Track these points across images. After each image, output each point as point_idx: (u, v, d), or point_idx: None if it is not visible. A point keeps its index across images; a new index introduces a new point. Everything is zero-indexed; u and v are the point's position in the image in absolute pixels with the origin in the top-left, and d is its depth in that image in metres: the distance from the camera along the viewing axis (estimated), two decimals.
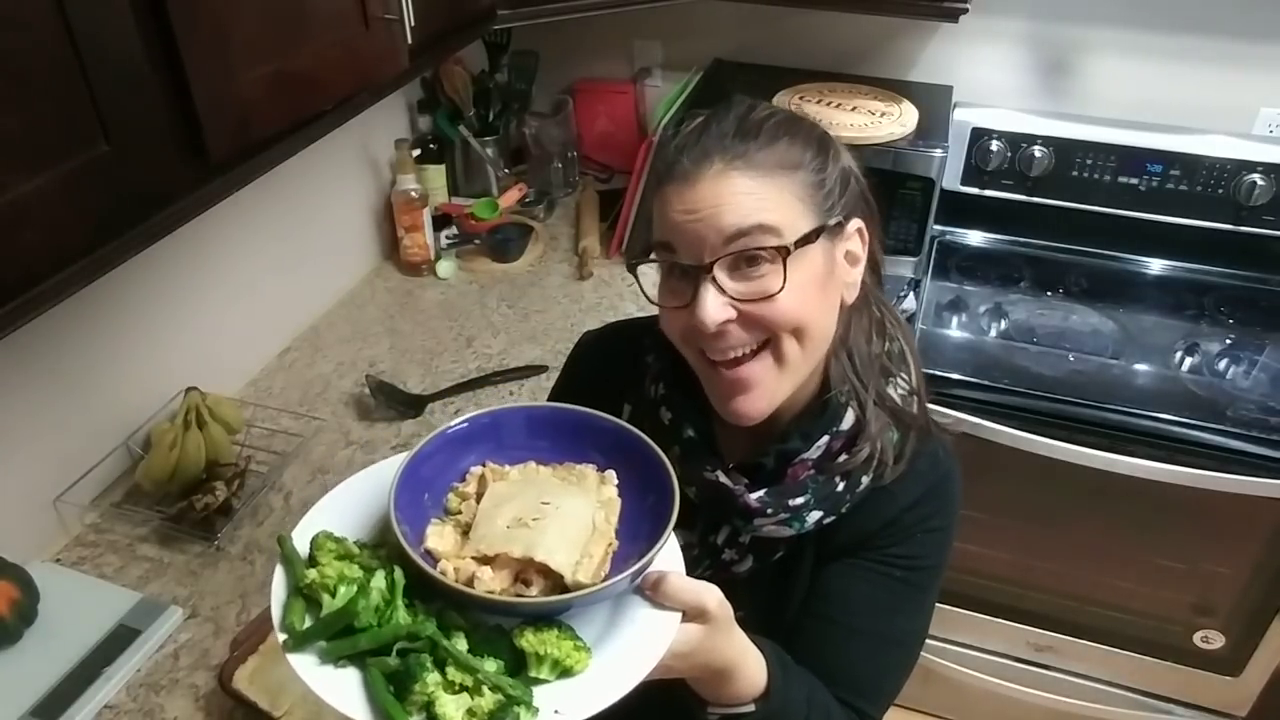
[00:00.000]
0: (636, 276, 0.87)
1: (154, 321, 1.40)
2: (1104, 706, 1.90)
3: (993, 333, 1.76)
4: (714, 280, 0.77)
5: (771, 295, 0.76)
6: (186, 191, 0.96)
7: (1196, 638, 1.77)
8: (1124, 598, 1.78)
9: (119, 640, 1.12)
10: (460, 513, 0.76)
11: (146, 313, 1.38)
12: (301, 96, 1.08)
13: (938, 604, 0.93)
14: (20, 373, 1.19)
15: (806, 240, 0.77)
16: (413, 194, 1.83)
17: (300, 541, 0.72)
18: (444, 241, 1.95)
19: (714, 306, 0.76)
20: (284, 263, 1.67)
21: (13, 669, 1.08)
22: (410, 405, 1.53)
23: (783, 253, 0.76)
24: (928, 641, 0.92)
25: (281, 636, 0.67)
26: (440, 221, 1.95)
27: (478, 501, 0.76)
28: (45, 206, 0.78)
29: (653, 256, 0.82)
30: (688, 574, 0.76)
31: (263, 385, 1.61)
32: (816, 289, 0.79)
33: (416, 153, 1.91)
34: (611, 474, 0.78)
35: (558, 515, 0.72)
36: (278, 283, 1.66)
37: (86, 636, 1.12)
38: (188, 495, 1.28)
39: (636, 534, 0.73)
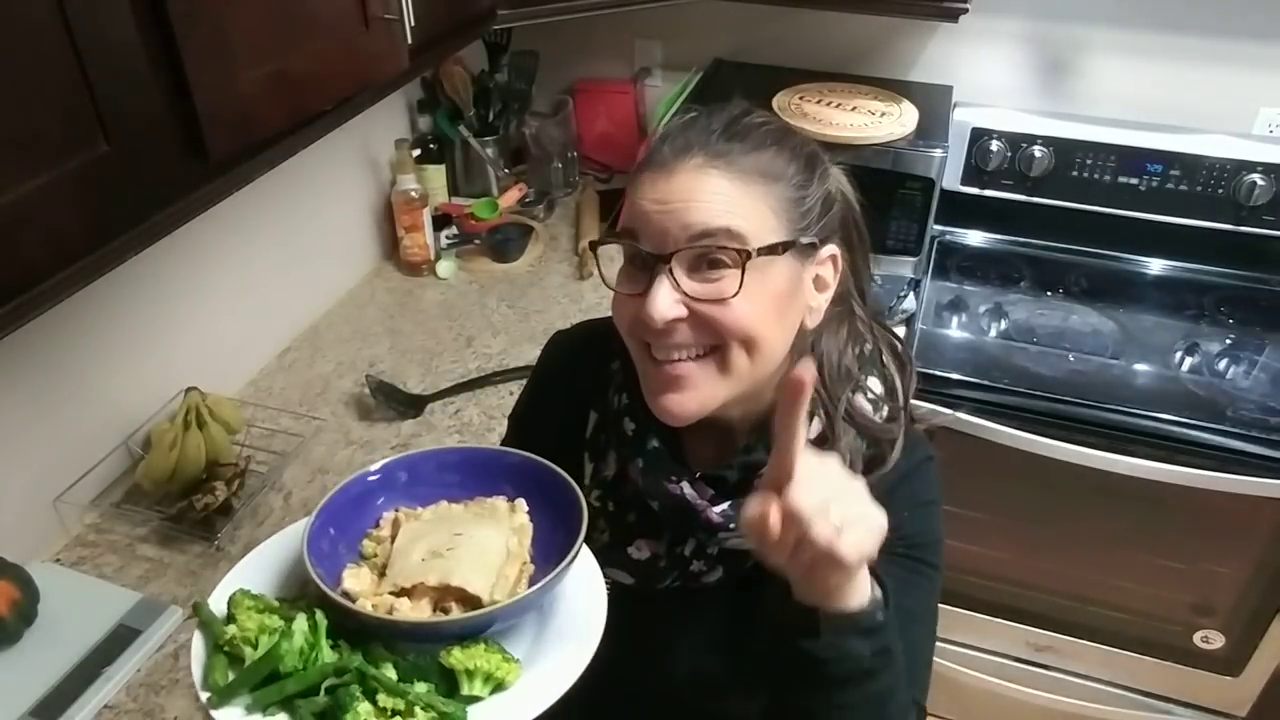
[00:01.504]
0: (596, 257, 0.86)
1: (154, 321, 1.40)
2: (1104, 706, 1.90)
3: (993, 333, 1.76)
4: (670, 274, 0.75)
5: (725, 299, 0.74)
6: (186, 191, 0.96)
7: (1196, 638, 1.76)
8: (1124, 598, 1.78)
9: (119, 640, 1.12)
10: (375, 556, 0.76)
11: (146, 313, 1.38)
12: (301, 96, 1.08)
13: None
14: (20, 373, 1.19)
15: (771, 251, 0.75)
16: (413, 194, 1.83)
17: (217, 605, 0.71)
18: (444, 241, 1.95)
19: (665, 302, 0.74)
20: (284, 263, 1.67)
21: (13, 669, 1.08)
22: (410, 405, 1.53)
23: (743, 256, 0.73)
24: None
25: (204, 695, 0.66)
26: (440, 221, 1.95)
27: (393, 544, 0.76)
28: (45, 206, 0.78)
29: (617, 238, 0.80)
30: (655, 586, 0.75)
31: (263, 385, 1.61)
32: (774, 304, 0.77)
33: (416, 153, 1.91)
34: (521, 502, 0.80)
35: (470, 543, 0.73)
36: (278, 283, 1.66)
37: (86, 636, 1.12)
38: (188, 495, 1.28)
39: (550, 555, 0.75)
